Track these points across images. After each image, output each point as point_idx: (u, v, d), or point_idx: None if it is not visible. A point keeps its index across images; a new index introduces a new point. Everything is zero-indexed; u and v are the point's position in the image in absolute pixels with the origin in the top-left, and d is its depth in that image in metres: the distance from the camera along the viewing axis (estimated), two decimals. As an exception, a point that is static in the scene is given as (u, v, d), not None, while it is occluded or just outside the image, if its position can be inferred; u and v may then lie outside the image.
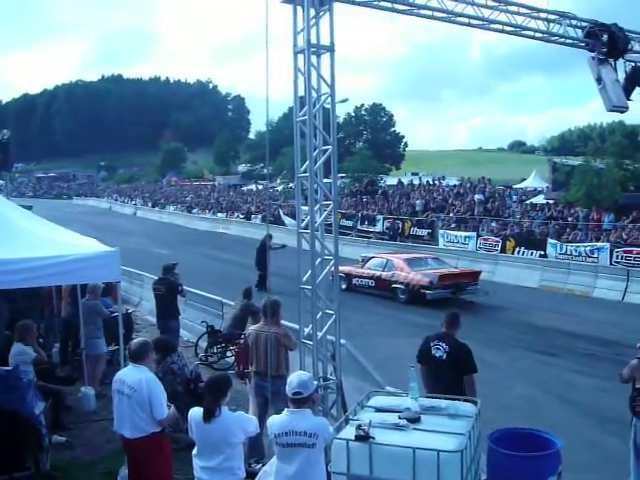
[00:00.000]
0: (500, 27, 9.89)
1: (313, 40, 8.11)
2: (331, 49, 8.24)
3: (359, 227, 38.99)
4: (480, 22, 9.66)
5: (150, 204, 72.12)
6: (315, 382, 6.76)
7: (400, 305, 21.22)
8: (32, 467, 8.27)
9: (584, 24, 10.45)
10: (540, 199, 39.91)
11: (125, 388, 6.79)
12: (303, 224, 8.54)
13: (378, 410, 6.33)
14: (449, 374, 7.92)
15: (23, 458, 8.24)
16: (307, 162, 8.21)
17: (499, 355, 15.08)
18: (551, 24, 10.18)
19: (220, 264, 30.59)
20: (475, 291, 21.61)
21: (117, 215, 68.15)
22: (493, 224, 32.55)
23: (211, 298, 16.53)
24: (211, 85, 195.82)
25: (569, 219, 31.07)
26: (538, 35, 10.25)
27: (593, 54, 10.64)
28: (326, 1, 8.13)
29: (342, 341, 9.09)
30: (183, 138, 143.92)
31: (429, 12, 9.18)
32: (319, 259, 8.56)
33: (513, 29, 10.01)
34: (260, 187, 70.36)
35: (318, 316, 8.50)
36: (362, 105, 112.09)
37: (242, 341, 12.46)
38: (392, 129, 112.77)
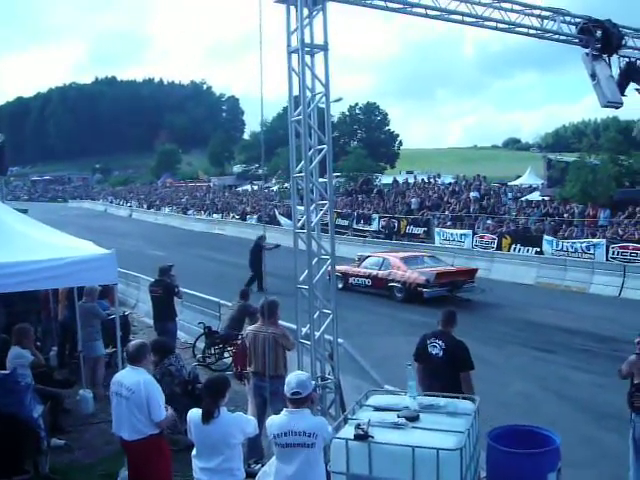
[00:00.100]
0: (494, 24, 9.89)
1: (307, 40, 8.11)
2: (325, 48, 8.24)
3: (355, 226, 38.96)
4: (474, 19, 9.66)
5: (145, 206, 72.01)
6: (313, 382, 6.76)
7: (397, 304, 21.21)
8: (31, 470, 8.27)
9: (578, 20, 10.46)
10: (535, 196, 39.92)
11: (123, 390, 6.78)
12: (299, 224, 8.54)
13: (377, 409, 6.34)
14: (446, 372, 7.93)
15: (22, 461, 8.23)
16: (302, 162, 8.21)
17: (496, 352, 15.09)
18: (545, 21, 10.19)
19: (216, 265, 30.56)
20: (472, 289, 21.60)
21: (113, 217, 68.09)
22: (489, 221, 32.58)
23: (208, 299, 16.50)
24: (205, 86, 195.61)
25: (565, 215, 31.11)
26: (532, 32, 10.25)
27: (587, 50, 10.65)
28: (319, 0, 8.13)
29: (340, 340, 9.10)
30: (177, 139, 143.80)
31: (422, 10, 9.18)
32: (316, 259, 8.56)
33: (507, 26, 10.01)
34: (255, 187, 70.29)
35: (315, 316, 8.50)
36: (356, 104, 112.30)
37: (239, 342, 12.49)
38: (386, 128, 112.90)
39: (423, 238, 34.01)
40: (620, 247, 24.82)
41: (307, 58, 8.20)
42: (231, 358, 13.49)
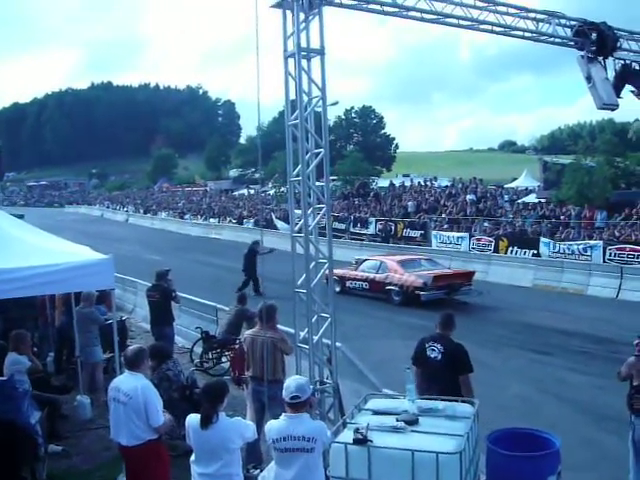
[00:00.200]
0: (489, 27, 9.88)
1: (303, 44, 8.11)
2: (321, 52, 8.24)
3: (351, 230, 38.92)
4: (469, 23, 9.65)
5: (142, 211, 72.00)
6: (312, 386, 6.75)
7: (394, 307, 21.23)
8: (29, 477, 8.23)
9: (573, 23, 10.46)
10: (532, 198, 40.02)
11: (121, 396, 6.76)
12: (297, 228, 8.54)
13: (375, 413, 6.32)
14: (445, 375, 7.90)
15: (19, 468, 8.19)
16: (300, 166, 8.21)
17: (493, 355, 15.08)
18: (540, 24, 10.19)
19: (213, 269, 30.53)
20: (469, 291, 21.59)
21: (109, 222, 67.98)
22: (485, 224, 32.61)
23: (205, 304, 16.48)
24: (201, 91, 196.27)
25: (561, 218, 31.17)
26: (527, 35, 10.25)
27: (582, 53, 10.65)
28: (315, 5, 8.13)
29: (338, 344, 9.09)
30: (174, 144, 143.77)
31: (418, 14, 9.17)
32: (313, 262, 8.56)
33: (502, 29, 10.01)
34: (252, 192, 70.27)
35: (313, 320, 8.50)
36: (352, 108, 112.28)
37: (237, 346, 12.47)
38: (382, 131, 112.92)
39: (420, 241, 34.00)
40: (617, 249, 24.82)
41: (304, 62, 8.20)
42: (229, 363, 13.48)
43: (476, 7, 9.51)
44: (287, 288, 8.74)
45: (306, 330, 8.45)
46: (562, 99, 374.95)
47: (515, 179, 58.24)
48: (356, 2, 8.70)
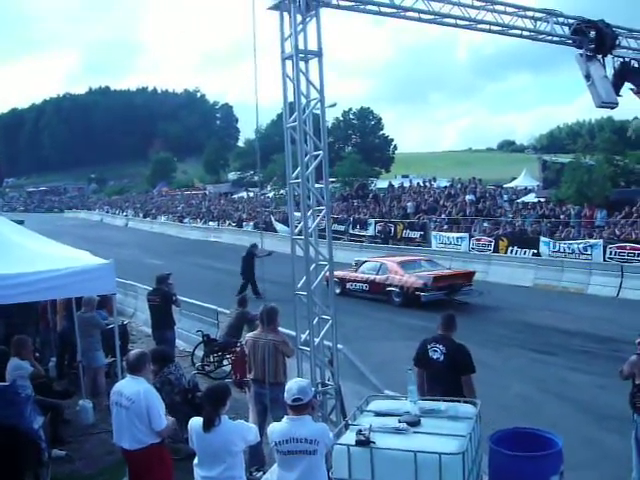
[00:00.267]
0: (487, 27, 9.90)
1: (301, 46, 8.12)
2: (319, 54, 8.24)
3: (351, 231, 38.94)
4: (467, 22, 9.67)
5: (141, 215, 71.97)
6: (313, 388, 6.74)
7: (395, 308, 21.22)
8: (32, 482, 8.24)
9: (571, 21, 10.47)
10: (531, 198, 40.01)
11: (123, 400, 6.76)
12: (296, 230, 8.54)
13: (378, 414, 6.32)
14: (447, 376, 7.88)
15: (23, 473, 8.18)
16: (299, 168, 8.21)
17: (494, 355, 15.05)
18: (538, 22, 10.21)
19: (213, 273, 30.55)
20: (469, 292, 21.56)
21: (109, 227, 68.02)
22: (485, 224, 32.59)
23: (206, 307, 16.48)
24: (199, 94, 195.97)
25: (561, 217, 31.16)
26: (525, 34, 10.26)
27: (581, 51, 10.65)
28: (312, 6, 8.13)
29: (339, 346, 9.09)
30: (172, 148, 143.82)
31: (416, 14, 9.19)
32: (313, 265, 8.56)
33: (500, 28, 10.02)
34: (251, 194, 70.31)
35: (314, 322, 8.50)
36: (350, 109, 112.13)
37: (238, 349, 12.47)
38: (381, 132, 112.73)
39: (420, 242, 33.99)
40: (617, 247, 24.80)
41: (301, 64, 8.21)
42: (230, 366, 13.48)
43: (474, 7, 9.53)
44: (287, 290, 8.74)
45: (307, 332, 8.44)
46: (561, 98, 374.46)
47: (514, 179, 58.22)
48: (353, 3, 8.71)
